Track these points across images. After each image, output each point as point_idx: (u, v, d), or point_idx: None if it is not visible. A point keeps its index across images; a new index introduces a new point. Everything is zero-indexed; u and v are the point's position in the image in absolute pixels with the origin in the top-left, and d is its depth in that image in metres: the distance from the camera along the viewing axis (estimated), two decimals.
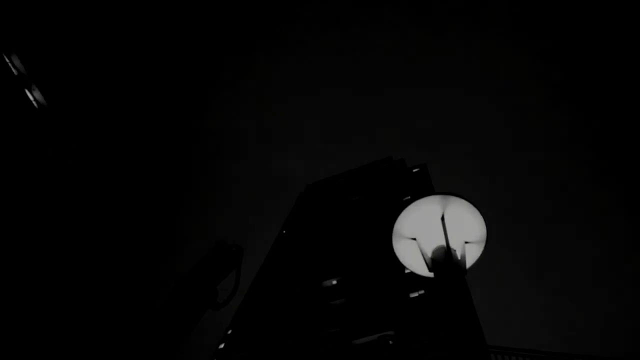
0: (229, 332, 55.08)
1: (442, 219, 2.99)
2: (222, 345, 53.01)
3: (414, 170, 78.67)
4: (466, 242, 3.02)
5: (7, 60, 22.55)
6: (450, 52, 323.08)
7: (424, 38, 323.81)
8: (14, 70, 23.02)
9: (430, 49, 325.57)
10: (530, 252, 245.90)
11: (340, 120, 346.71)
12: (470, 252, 3.06)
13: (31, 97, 24.01)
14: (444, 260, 2.79)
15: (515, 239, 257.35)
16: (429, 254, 2.93)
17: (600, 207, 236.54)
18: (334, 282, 55.35)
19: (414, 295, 47.95)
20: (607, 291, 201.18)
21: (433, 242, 2.95)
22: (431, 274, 2.92)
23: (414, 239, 3.08)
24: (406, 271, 50.63)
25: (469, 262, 3.05)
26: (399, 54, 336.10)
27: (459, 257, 2.86)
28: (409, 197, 67.63)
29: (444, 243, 2.88)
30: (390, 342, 11.24)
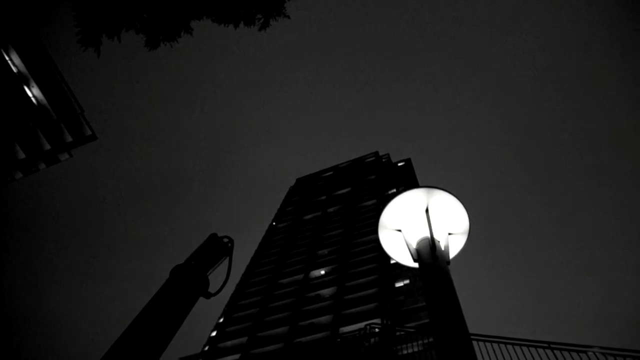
0: (221, 320, 55.15)
1: (427, 211, 3.04)
2: (214, 333, 53.12)
3: (399, 164, 79.05)
4: (450, 234, 3.08)
5: (7, 58, 22.18)
6: (436, 52, 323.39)
7: (412, 37, 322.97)
8: (13, 68, 22.69)
9: (418, 48, 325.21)
10: (515, 244, 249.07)
11: (330, 116, 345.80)
12: (454, 243, 3.13)
13: (30, 94, 23.70)
14: (428, 251, 2.84)
15: (499, 233, 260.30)
16: (414, 245, 2.99)
17: (584, 203, 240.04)
18: (322, 272, 55.62)
19: (399, 284, 48.46)
20: (590, 283, 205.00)
21: (418, 233, 3.01)
22: (416, 265, 2.97)
23: (399, 230, 3.15)
24: (392, 262, 51.06)
25: (453, 253, 3.12)
26: (388, 51, 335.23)
27: (443, 248, 2.91)
28: (395, 190, 68.03)
29: (428, 234, 2.94)
30: (377, 330, 11.36)
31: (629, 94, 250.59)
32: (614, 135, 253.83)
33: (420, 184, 59.38)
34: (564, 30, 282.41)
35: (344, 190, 77.55)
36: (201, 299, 2.48)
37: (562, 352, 7.76)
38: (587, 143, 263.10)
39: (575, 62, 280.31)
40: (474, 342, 8.40)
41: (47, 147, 26.52)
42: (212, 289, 2.54)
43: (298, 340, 45.18)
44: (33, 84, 23.63)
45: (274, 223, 76.05)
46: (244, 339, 49.24)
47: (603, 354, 7.49)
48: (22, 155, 25.42)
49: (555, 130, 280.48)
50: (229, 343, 49.73)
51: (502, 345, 8.14)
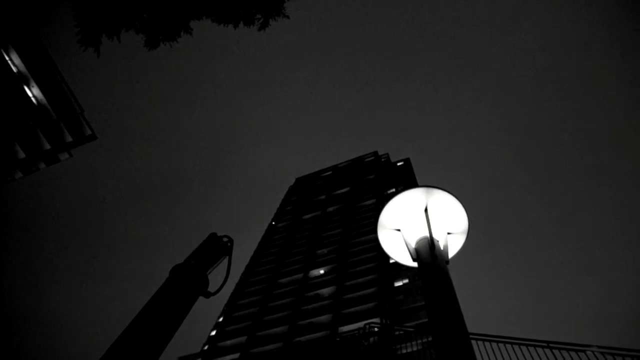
0: (220, 319, 55.18)
1: (426, 210, 3.06)
2: (213, 332, 53.16)
3: (398, 164, 79.10)
4: (449, 233, 3.10)
5: (7, 57, 22.26)
6: (436, 52, 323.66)
7: (412, 37, 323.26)
8: (13, 68, 22.77)
9: (418, 48, 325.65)
10: (515, 244, 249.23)
11: (330, 116, 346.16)
12: (453, 242, 3.15)
13: (30, 94, 23.79)
14: (427, 250, 2.85)
15: (499, 233, 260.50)
16: (413, 245, 3.00)
17: (580, 203, 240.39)
18: (322, 271, 55.63)
19: (398, 284, 48.50)
20: (586, 283, 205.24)
21: (417, 233, 3.02)
22: (415, 264, 2.98)
23: (398, 230, 3.16)
24: (391, 261, 51.09)
25: (451, 253, 3.13)
26: (388, 51, 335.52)
27: (442, 248, 2.93)
28: (394, 189, 68.05)
29: (427, 234, 2.95)
30: (376, 329, 11.39)
31: (629, 94, 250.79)
32: (613, 135, 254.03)
33: (419, 184, 59.14)
34: (564, 30, 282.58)
35: (343, 190, 77.56)
36: (201, 298, 2.48)
37: (561, 351, 7.78)
38: (587, 143, 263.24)
39: (575, 62, 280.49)
40: (473, 342, 8.41)
41: (47, 146, 26.60)
42: (211, 288, 2.55)
43: (297, 339, 45.20)
44: (33, 83, 23.69)
45: (273, 222, 76.07)
46: (243, 338, 49.26)
47: (602, 353, 7.52)
48: (22, 154, 25.48)
49: (555, 130, 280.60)
50: (228, 342, 49.75)
51: (501, 345, 8.16)
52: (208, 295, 2.50)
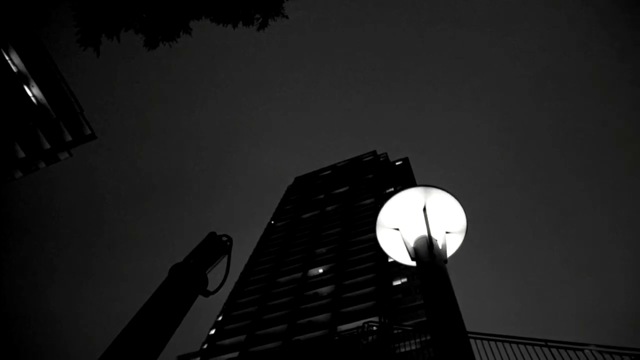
0: (219, 318, 55.19)
1: (424, 209, 3.06)
2: (212, 331, 53.17)
3: (397, 164, 79.12)
4: (447, 232, 3.10)
5: (7, 57, 22.30)
6: (436, 52, 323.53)
7: (412, 37, 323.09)
8: (13, 68, 22.80)
9: (418, 48, 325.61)
10: (515, 244, 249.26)
11: (329, 116, 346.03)
12: (451, 241, 3.15)
13: (30, 94, 23.83)
14: (425, 249, 2.85)
15: (499, 233, 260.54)
16: (411, 244, 3.00)
17: (576, 203, 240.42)
18: (321, 270, 55.65)
19: (396, 283, 48.53)
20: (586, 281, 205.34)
21: (415, 232, 3.02)
22: (413, 263, 2.98)
23: (397, 229, 3.17)
24: (389, 260, 51.10)
25: (450, 252, 3.14)
26: (388, 51, 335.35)
27: (440, 247, 2.93)
28: (392, 189, 68.07)
29: (425, 233, 2.95)
30: (374, 328, 11.41)
31: (629, 94, 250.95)
32: (613, 135, 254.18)
33: (418, 184, 59.21)
34: (564, 30, 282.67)
35: (342, 189, 77.58)
36: (200, 297, 2.49)
37: (559, 350, 7.80)
38: (586, 143, 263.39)
39: (575, 62, 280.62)
40: (472, 340, 8.43)
41: (47, 146, 26.60)
42: (210, 287, 2.55)
43: (296, 338, 45.23)
44: (33, 83, 23.71)
45: (272, 222, 76.07)
46: (242, 337, 49.29)
47: (600, 352, 7.54)
48: (22, 154, 25.50)
49: (555, 130, 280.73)
50: (227, 341, 49.78)
51: (500, 344, 8.17)
52: (207, 294, 2.50)
